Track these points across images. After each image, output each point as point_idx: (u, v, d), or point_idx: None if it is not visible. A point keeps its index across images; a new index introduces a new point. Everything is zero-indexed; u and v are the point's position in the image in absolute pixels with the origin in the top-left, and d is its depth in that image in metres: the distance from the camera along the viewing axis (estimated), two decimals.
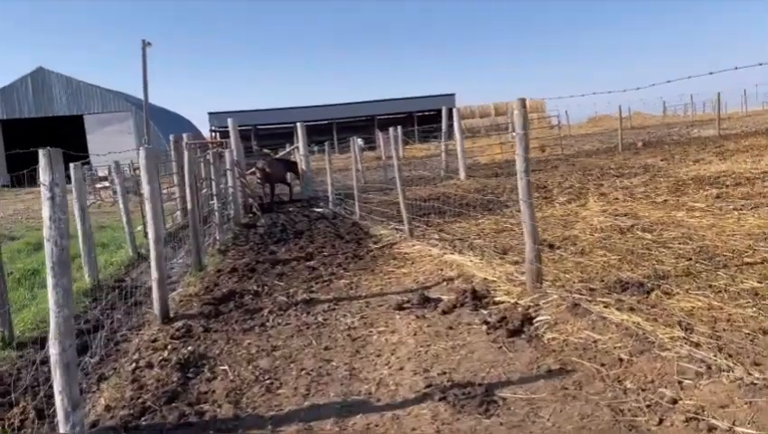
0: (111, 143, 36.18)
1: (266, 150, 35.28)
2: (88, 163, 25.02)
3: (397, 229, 9.15)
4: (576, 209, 9.59)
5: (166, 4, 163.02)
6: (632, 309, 4.39)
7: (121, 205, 9.67)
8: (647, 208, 8.87)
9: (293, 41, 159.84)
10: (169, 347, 4.66)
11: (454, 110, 17.04)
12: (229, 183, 12.30)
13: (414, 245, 7.81)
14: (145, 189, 5.63)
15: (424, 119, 54.20)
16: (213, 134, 52.35)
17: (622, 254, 6.24)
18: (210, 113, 51.09)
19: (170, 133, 19.85)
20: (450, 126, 20.23)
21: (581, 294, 4.86)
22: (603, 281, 5.26)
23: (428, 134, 30.74)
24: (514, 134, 5.08)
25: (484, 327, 4.54)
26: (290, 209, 15.48)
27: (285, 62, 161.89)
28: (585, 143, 26.56)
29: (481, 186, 15.12)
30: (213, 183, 9.77)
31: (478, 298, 5.14)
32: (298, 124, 16.86)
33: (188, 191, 7.53)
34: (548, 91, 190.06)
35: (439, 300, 5.32)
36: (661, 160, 15.68)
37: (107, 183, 20.74)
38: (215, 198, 9.65)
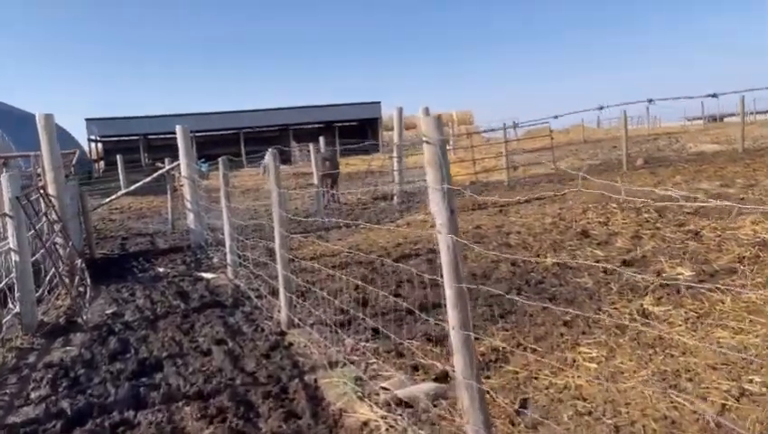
0: None
1: (159, 164, 28.19)
2: None
3: (406, 403, 3.32)
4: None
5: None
6: None
7: None
8: None
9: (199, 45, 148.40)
10: None
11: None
12: (9, 243, 5.89)
13: None
14: None
15: (346, 131, 48.46)
16: (94, 145, 43.52)
17: None
18: (87, 119, 42.08)
19: (30, 143, 12.97)
20: (399, 135, 14.71)
21: None
22: None
23: (373, 145, 25.10)
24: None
25: None
26: (160, 271, 9.09)
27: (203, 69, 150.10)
28: (549, 159, 21.95)
29: (471, 228, 9.59)
30: None
31: None
32: (178, 129, 10.51)
33: None
34: (475, 103, 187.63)
35: None
36: (721, 186, 10.95)
37: None
38: None
